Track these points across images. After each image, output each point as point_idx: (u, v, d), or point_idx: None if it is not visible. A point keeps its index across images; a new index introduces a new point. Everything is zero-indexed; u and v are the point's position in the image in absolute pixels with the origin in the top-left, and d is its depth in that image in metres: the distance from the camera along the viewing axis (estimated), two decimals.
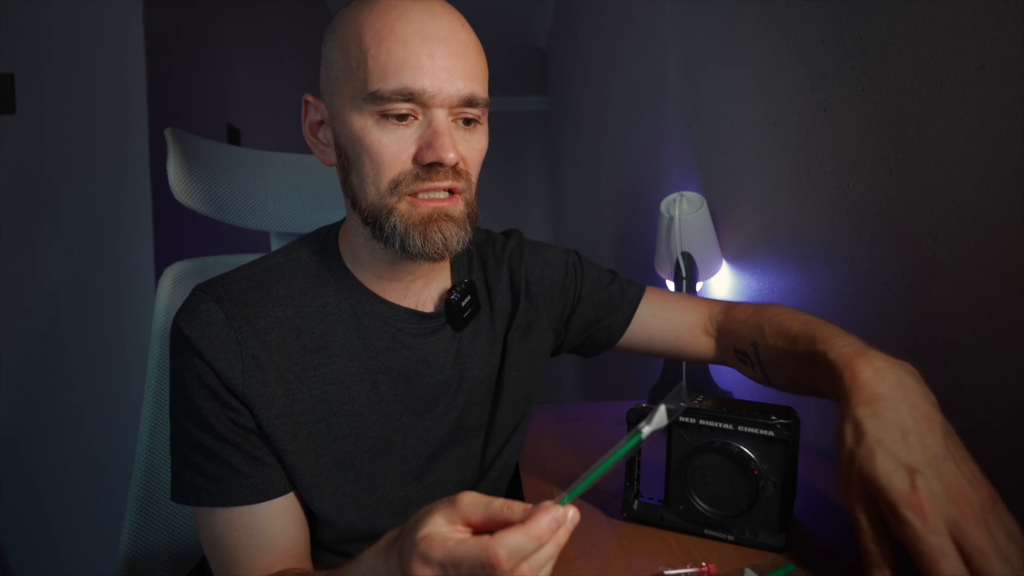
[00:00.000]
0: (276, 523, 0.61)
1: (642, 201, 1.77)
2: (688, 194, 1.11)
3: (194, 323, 0.59)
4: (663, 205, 1.13)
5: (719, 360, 0.79)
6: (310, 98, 0.65)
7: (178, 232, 1.86)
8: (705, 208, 1.10)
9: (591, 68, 2.56)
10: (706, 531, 0.58)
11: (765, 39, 0.98)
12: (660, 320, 0.80)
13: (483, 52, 0.62)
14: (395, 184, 0.58)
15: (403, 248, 0.59)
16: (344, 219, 0.70)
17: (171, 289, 0.88)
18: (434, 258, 0.60)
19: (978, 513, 0.42)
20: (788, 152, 0.93)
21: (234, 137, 2.31)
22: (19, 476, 1.71)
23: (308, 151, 0.97)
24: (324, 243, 0.69)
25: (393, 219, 0.59)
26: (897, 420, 0.48)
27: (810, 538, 0.58)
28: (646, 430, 0.44)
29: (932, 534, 0.42)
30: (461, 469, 0.70)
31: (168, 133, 0.89)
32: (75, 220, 1.72)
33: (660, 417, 0.45)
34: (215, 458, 0.59)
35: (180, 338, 0.60)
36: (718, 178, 1.21)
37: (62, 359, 1.73)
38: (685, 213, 1.09)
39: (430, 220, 0.59)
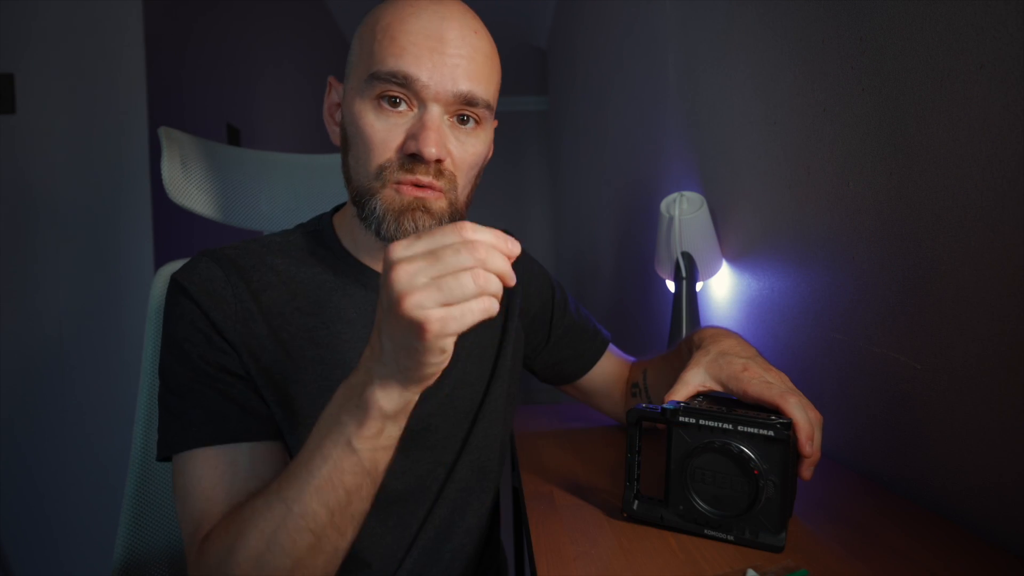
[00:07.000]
0: (262, 466, 0.59)
1: (642, 201, 1.77)
2: (688, 194, 1.11)
3: (192, 276, 0.62)
4: (663, 205, 1.12)
5: (617, 413, 0.93)
6: (333, 80, 0.68)
7: (178, 232, 1.86)
8: (705, 208, 1.10)
9: (591, 68, 2.56)
10: (706, 531, 0.58)
11: (765, 39, 0.98)
12: (607, 371, 0.90)
13: (496, 62, 0.63)
14: (380, 170, 0.60)
15: (378, 232, 0.61)
16: (343, 204, 0.73)
17: (164, 288, 0.87)
18: None
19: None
20: (788, 152, 0.93)
21: (234, 137, 2.31)
22: (19, 476, 1.71)
23: (307, 151, 0.97)
24: (319, 226, 0.71)
25: (375, 202, 0.61)
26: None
27: (810, 538, 0.58)
28: None
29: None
30: (444, 447, 0.71)
31: (162, 132, 0.89)
32: (75, 220, 1.72)
33: None
34: (202, 400, 0.59)
35: (177, 288, 0.62)
36: (718, 178, 1.21)
37: (62, 359, 1.73)
38: (685, 213, 1.09)
39: (406, 209, 0.60)
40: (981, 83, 0.57)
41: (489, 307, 0.42)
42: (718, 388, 0.64)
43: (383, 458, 0.50)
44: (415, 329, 0.41)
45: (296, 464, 0.50)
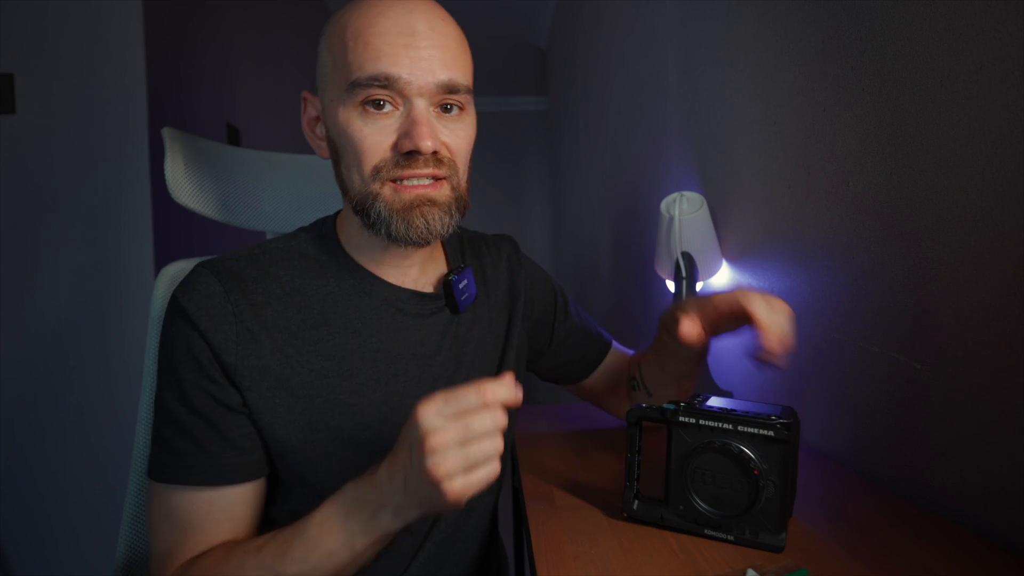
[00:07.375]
0: (239, 508, 0.61)
1: (642, 201, 1.77)
2: (688, 194, 1.11)
3: (191, 294, 0.60)
4: (663, 205, 1.12)
5: (623, 410, 0.93)
6: (307, 95, 0.67)
7: (178, 232, 1.86)
8: (705, 208, 1.10)
9: (591, 68, 2.56)
10: (706, 531, 0.58)
11: (765, 39, 0.98)
12: (611, 370, 0.92)
13: (466, 45, 0.64)
14: (376, 171, 0.61)
15: (388, 234, 0.61)
16: (341, 209, 0.72)
17: (167, 289, 0.87)
18: (418, 243, 0.62)
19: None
20: (788, 152, 0.93)
21: (234, 137, 2.31)
22: (19, 476, 1.71)
23: (307, 150, 0.97)
24: (323, 230, 0.71)
25: (378, 205, 0.61)
26: None
27: (810, 538, 0.58)
28: None
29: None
30: None
31: (165, 132, 0.89)
32: (75, 220, 1.72)
33: None
34: (185, 434, 0.59)
35: (176, 308, 0.61)
36: (718, 178, 1.21)
37: (62, 359, 1.73)
38: (685, 213, 1.09)
39: (412, 206, 0.61)
40: (981, 83, 0.57)
41: (497, 469, 0.48)
42: (706, 323, 0.68)
43: (379, 550, 0.55)
44: (441, 492, 0.47)
45: (297, 548, 0.54)
